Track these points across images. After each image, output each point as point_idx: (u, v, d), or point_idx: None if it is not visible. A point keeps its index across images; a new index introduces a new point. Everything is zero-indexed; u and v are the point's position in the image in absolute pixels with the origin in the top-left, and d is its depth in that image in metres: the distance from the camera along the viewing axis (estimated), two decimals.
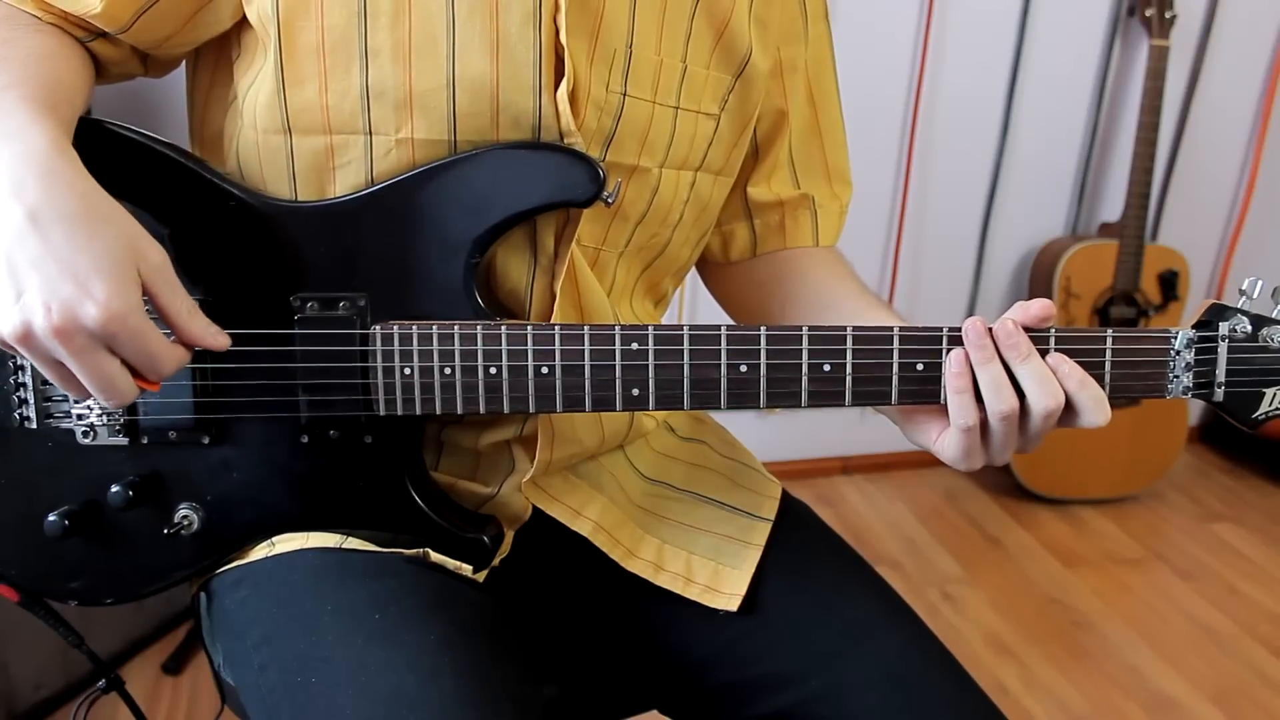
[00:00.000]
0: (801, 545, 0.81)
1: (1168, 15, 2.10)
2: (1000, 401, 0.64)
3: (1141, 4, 2.12)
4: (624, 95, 0.68)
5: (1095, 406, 0.65)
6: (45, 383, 0.68)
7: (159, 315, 0.60)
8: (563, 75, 0.65)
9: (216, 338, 0.62)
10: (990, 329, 0.64)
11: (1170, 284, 2.21)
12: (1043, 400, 0.64)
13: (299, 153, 0.67)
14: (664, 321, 0.81)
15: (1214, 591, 2.03)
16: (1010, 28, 2.15)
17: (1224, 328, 0.67)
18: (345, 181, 0.67)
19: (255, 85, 0.68)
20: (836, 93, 0.85)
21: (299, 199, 0.68)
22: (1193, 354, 0.67)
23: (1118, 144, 2.31)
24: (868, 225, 2.24)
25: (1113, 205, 2.34)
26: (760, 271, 0.86)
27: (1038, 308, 0.65)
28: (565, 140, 0.66)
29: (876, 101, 2.14)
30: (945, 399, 0.66)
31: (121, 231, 0.57)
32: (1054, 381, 0.64)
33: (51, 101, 0.61)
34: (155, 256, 0.58)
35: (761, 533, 0.80)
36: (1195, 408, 2.67)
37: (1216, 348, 0.67)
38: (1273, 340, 0.67)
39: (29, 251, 0.54)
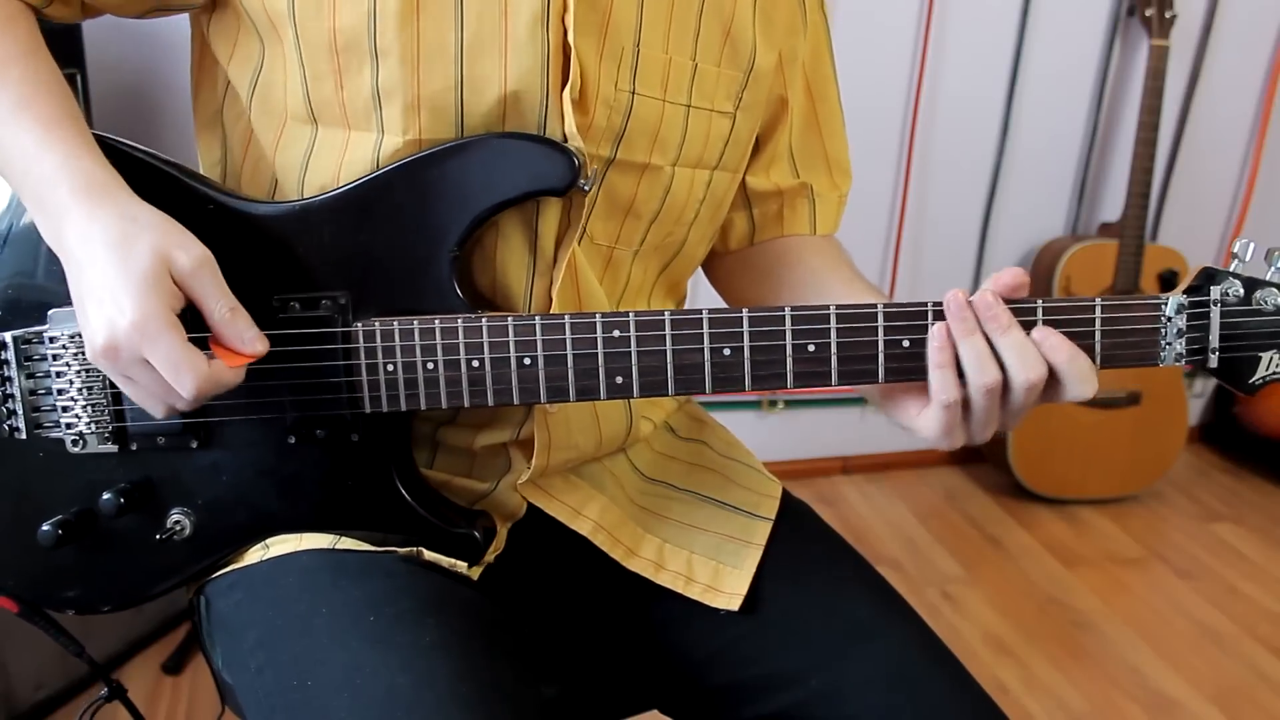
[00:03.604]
0: (802, 545, 0.81)
1: (1168, 15, 2.10)
2: (982, 375, 0.63)
3: (1141, 4, 2.12)
4: (633, 93, 0.68)
5: (1082, 380, 0.63)
6: (33, 392, 0.68)
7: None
8: (570, 76, 0.64)
9: (252, 344, 0.62)
10: (970, 301, 0.64)
11: (1170, 284, 2.21)
12: (1024, 373, 0.62)
13: (320, 143, 0.67)
14: None
15: (1214, 591, 2.03)
16: (1010, 28, 2.15)
17: (1215, 291, 0.65)
18: (351, 177, 0.67)
19: (266, 73, 0.68)
20: (835, 83, 0.85)
21: (304, 191, 0.68)
22: (1184, 320, 0.65)
23: (1118, 144, 2.31)
24: (868, 225, 2.24)
25: (1113, 205, 2.34)
26: (757, 259, 0.86)
27: (1009, 275, 0.64)
28: (568, 141, 0.65)
29: (876, 101, 2.13)
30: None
31: (151, 244, 0.59)
32: (1035, 353, 0.63)
33: (66, 111, 0.64)
34: (185, 260, 0.59)
35: (762, 532, 0.79)
36: (1195, 407, 2.66)
37: (1209, 313, 0.65)
38: (1267, 302, 0.64)
39: (89, 285, 0.59)
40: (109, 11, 0.71)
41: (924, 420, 0.66)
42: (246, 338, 0.61)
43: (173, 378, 0.58)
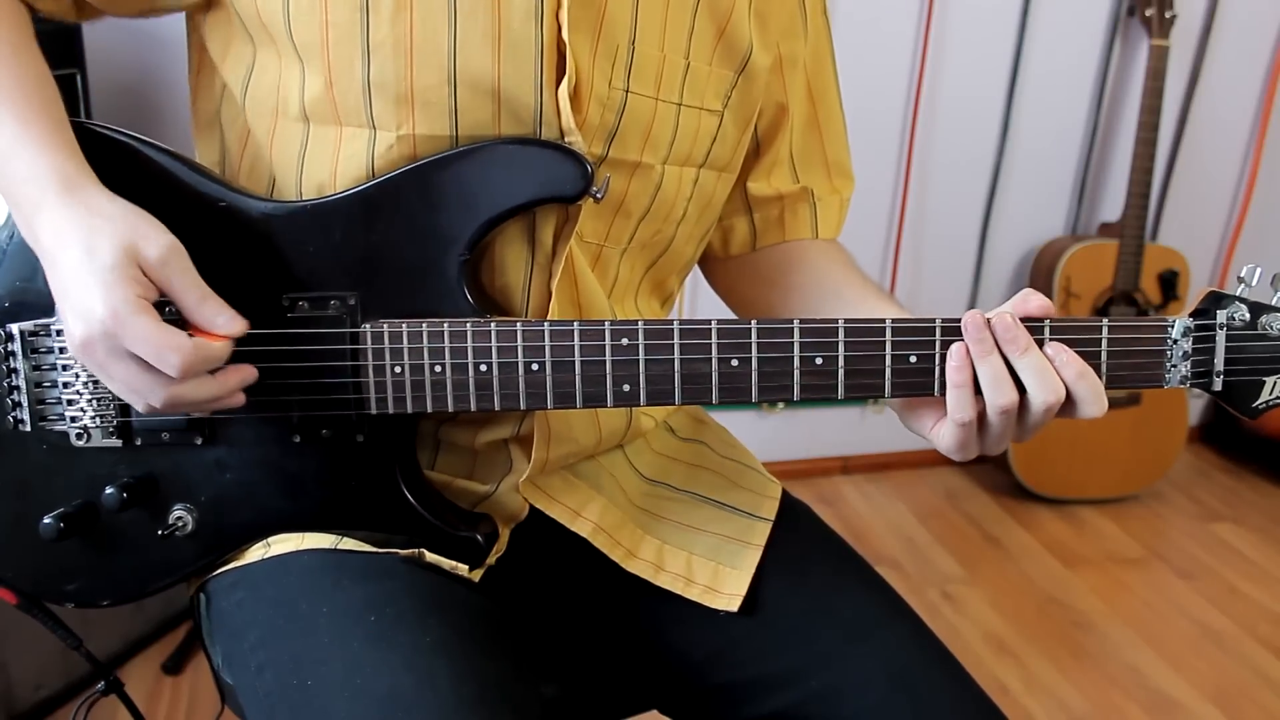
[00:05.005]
0: (801, 545, 0.81)
1: (1168, 15, 2.10)
2: (1000, 395, 0.63)
3: (1141, 4, 2.12)
4: (626, 91, 0.68)
5: (1093, 398, 0.64)
6: (39, 385, 0.68)
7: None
8: (565, 72, 0.64)
9: (226, 325, 0.62)
10: (989, 321, 0.64)
11: (1170, 284, 2.21)
12: (1042, 395, 0.63)
13: (313, 141, 0.67)
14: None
15: (1214, 591, 2.03)
16: (1010, 28, 2.15)
17: (1222, 315, 0.65)
18: (347, 174, 0.67)
19: (258, 73, 0.68)
20: (836, 87, 0.85)
21: (302, 190, 0.68)
22: (1190, 343, 0.66)
23: (1118, 144, 2.31)
24: (868, 225, 2.24)
25: (1113, 205, 2.34)
26: (760, 265, 0.86)
27: (1036, 303, 0.64)
28: (565, 138, 0.66)
29: (876, 101, 2.13)
30: (939, 391, 0.65)
31: (114, 239, 0.59)
32: (1054, 375, 0.63)
33: (43, 107, 0.64)
34: (152, 249, 0.60)
35: (761, 533, 0.79)
36: (1195, 407, 2.66)
37: (1214, 336, 0.66)
38: (1272, 328, 0.65)
39: (62, 283, 0.60)
40: (104, 9, 0.71)
41: (939, 433, 0.67)
42: (218, 322, 0.62)
43: (156, 359, 0.58)
